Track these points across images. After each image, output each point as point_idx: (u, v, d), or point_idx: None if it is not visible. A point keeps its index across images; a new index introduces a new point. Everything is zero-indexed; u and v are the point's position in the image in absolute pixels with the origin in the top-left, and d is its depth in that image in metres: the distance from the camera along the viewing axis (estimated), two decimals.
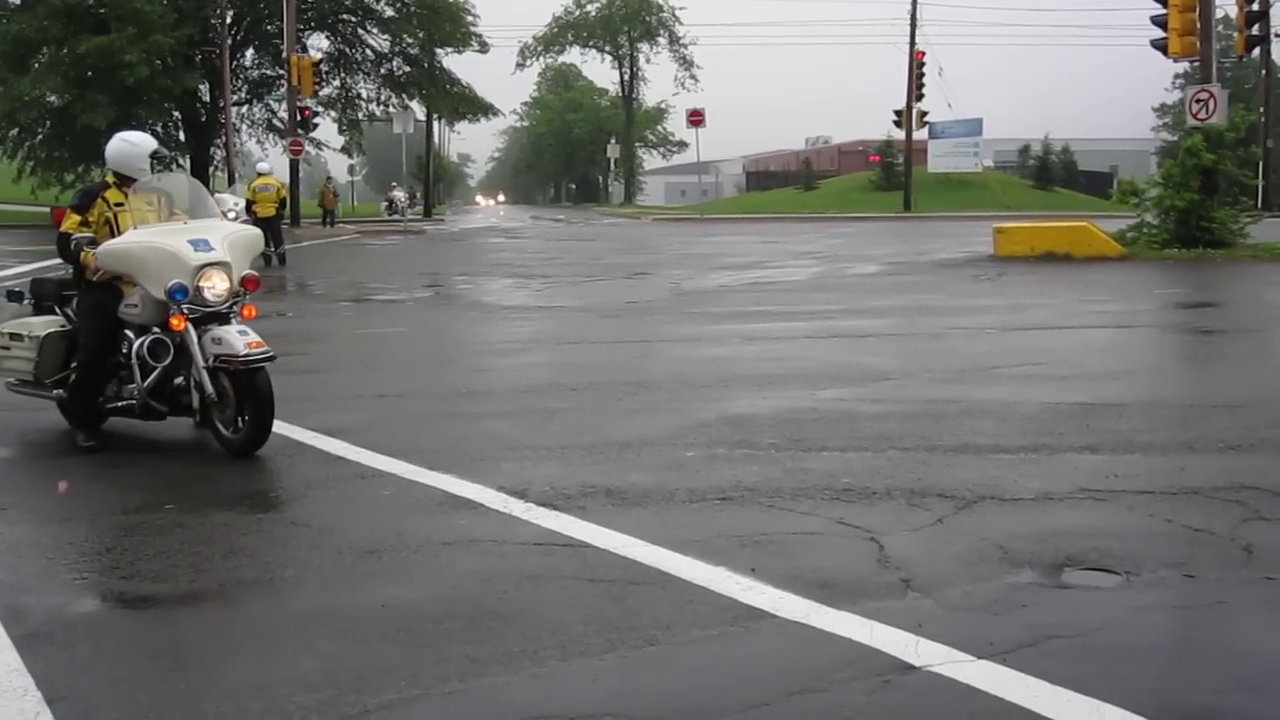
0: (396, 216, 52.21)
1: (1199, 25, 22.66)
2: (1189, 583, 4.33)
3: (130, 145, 7.14)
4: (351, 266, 25.45)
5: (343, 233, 40.84)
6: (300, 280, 20.79)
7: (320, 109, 46.17)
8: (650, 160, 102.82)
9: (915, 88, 50.14)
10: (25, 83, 38.21)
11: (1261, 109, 44.74)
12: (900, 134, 52.74)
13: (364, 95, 50.57)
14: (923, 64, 50.22)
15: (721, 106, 65.11)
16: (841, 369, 9.47)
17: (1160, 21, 23.02)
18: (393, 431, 7.25)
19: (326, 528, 5.23)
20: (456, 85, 49.63)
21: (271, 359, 6.54)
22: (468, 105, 50.35)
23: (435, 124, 58.67)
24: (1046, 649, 3.70)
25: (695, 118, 49.98)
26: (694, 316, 13.65)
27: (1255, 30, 25.04)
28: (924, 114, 51.53)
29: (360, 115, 50.42)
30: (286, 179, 36.75)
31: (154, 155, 7.32)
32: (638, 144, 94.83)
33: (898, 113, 50.93)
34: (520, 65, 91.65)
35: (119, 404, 6.91)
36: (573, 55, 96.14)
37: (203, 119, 45.58)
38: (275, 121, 48.57)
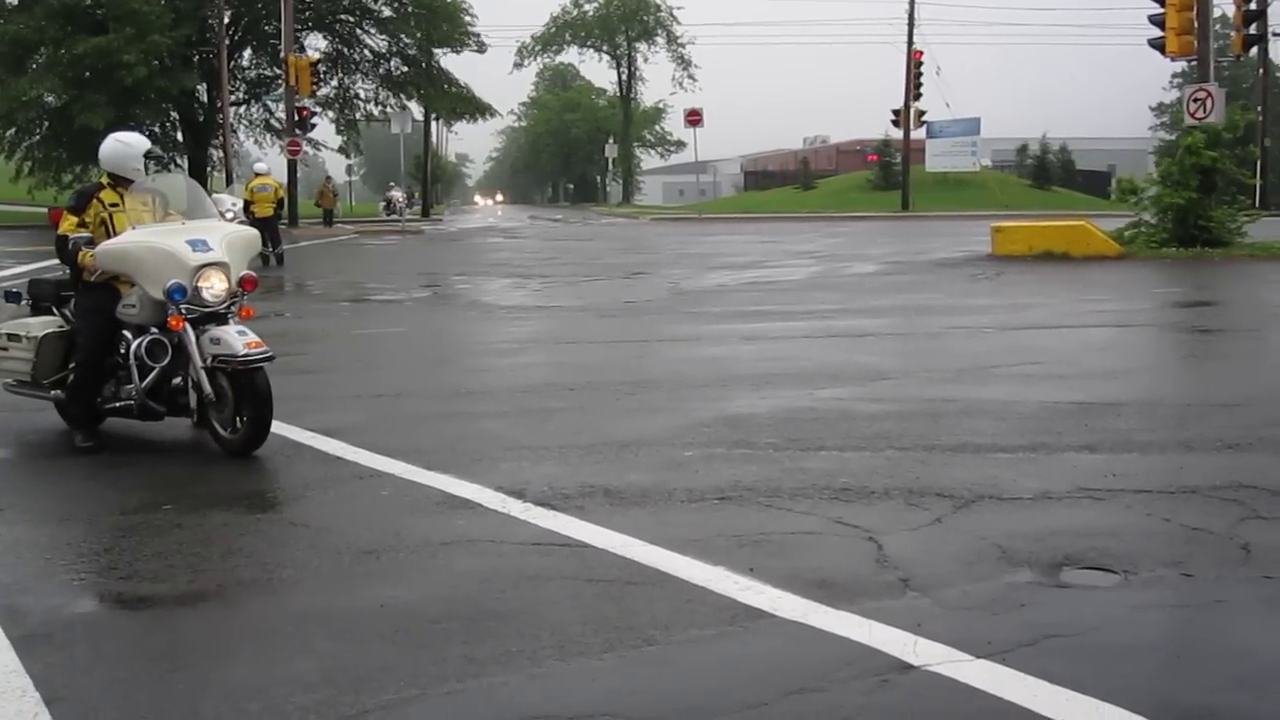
0: (394, 216, 52.19)
1: (1196, 24, 22.69)
2: (1187, 582, 4.34)
3: (124, 146, 7.14)
4: (349, 267, 25.43)
5: (341, 233, 40.82)
6: (298, 280, 20.78)
7: (318, 109, 46.19)
8: (648, 160, 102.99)
9: (913, 87, 50.15)
10: (23, 83, 38.22)
11: (1259, 108, 44.75)
12: (898, 133, 52.75)
13: (362, 95, 50.72)
14: (920, 63, 50.22)
15: (719, 106, 65.36)
16: (840, 368, 9.47)
17: (1158, 20, 23.04)
18: (391, 431, 7.25)
19: (324, 528, 5.23)
20: (454, 85, 49.67)
21: (270, 359, 6.54)
22: (465, 105, 50.41)
23: (433, 124, 58.70)
24: (1045, 648, 3.71)
25: (693, 117, 49.98)
26: (692, 316, 13.65)
27: (1253, 29, 25.04)
28: (922, 113, 51.55)
29: (358, 115, 50.48)
30: (284, 179, 36.74)
31: (148, 155, 7.33)
32: (636, 144, 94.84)
33: (895, 112, 50.94)
34: (518, 65, 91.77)
35: (117, 404, 6.91)
36: (570, 55, 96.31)
37: (200, 119, 45.58)
38: (273, 122, 48.61)
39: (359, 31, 49.40)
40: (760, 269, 20.88)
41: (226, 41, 41.78)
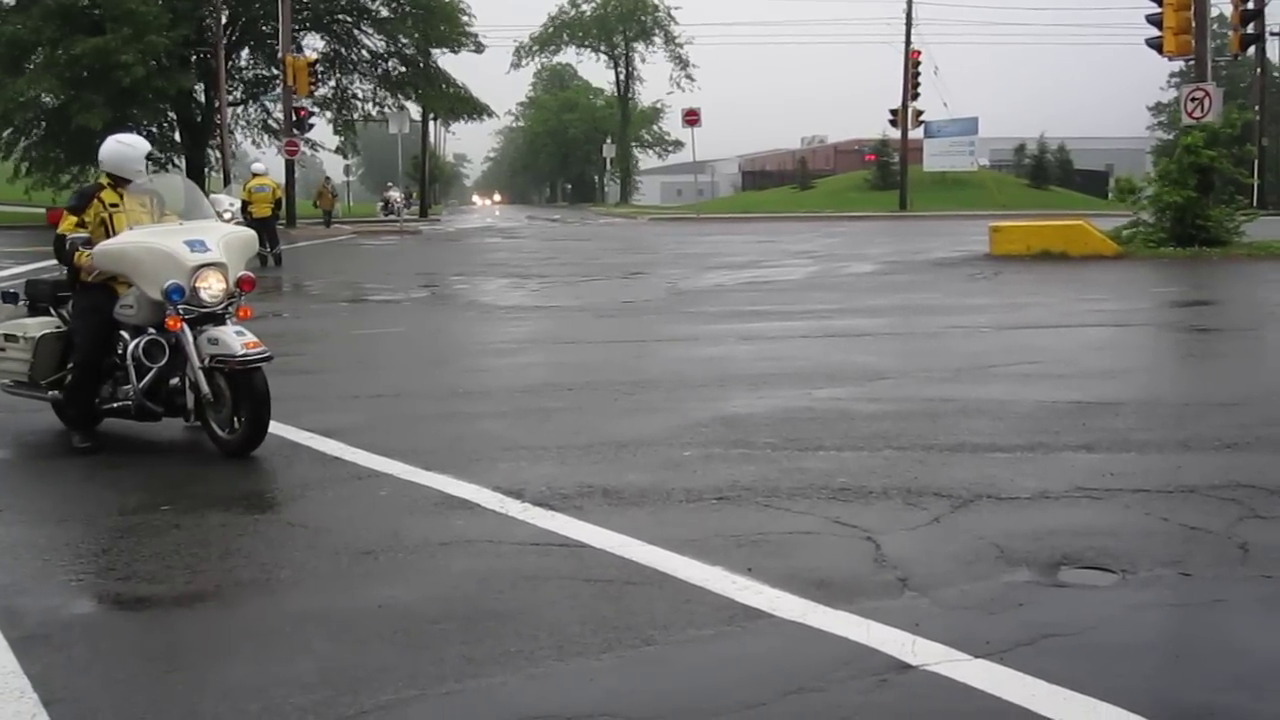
0: (392, 217, 52.16)
1: (1194, 24, 22.69)
2: (1185, 581, 4.34)
3: (126, 147, 7.15)
4: (348, 267, 25.43)
5: (339, 233, 40.80)
6: (296, 281, 20.77)
7: (316, 109, 46.16)
8: (646, 160, 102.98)
9: (911, 87, 50.14)
10: (20, 83, 38.21)
11: (1257, 107, 44.77)
12: (896, 133, 52.75)
13: (360, 95, 50.68)
14: (918, 63, 50.22)
15: (717, 106, 65.26)
16: (838, 368, 9.48)
17: (1155, 20, 23.05)
18: (389, 432, 7.25)
19: (323, 528, 5.23)
20: (452, 85, 49.67)
21: (268, 359, 6.53)
22: (463, 106, 50.42)
23: (431, 124, 58.67)
24: (1043, 648, 3.71)
25: (691, 117, 49.95)
26: (690, 316, 13.65)
27: (1250, 29, 25.06)
28: (919, 113, 51.55)
29: (356, 116, 50.45)
30: (282, 179, 36.74)
31: (147, 156, 7.34)
32: (633, 144, 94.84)
33: (893, 112, 50.93)
34: (515, 65, 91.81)
35: (114, 405, 6.91)
36: (568, 55, 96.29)
37: (198, 120, 45.55)
38: (271, 122, 48.59)
39: (356, 32, 49.39)
40: (758, 269, 20.88)
41: (224, 42, 41.76)
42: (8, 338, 7.30)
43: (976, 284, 17.12)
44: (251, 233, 7.56)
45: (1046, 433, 6.79)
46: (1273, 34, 46.78)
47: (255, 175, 25.25)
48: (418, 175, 63.55)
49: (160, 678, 3.65)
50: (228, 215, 18.23)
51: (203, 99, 45.66)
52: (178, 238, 6.68)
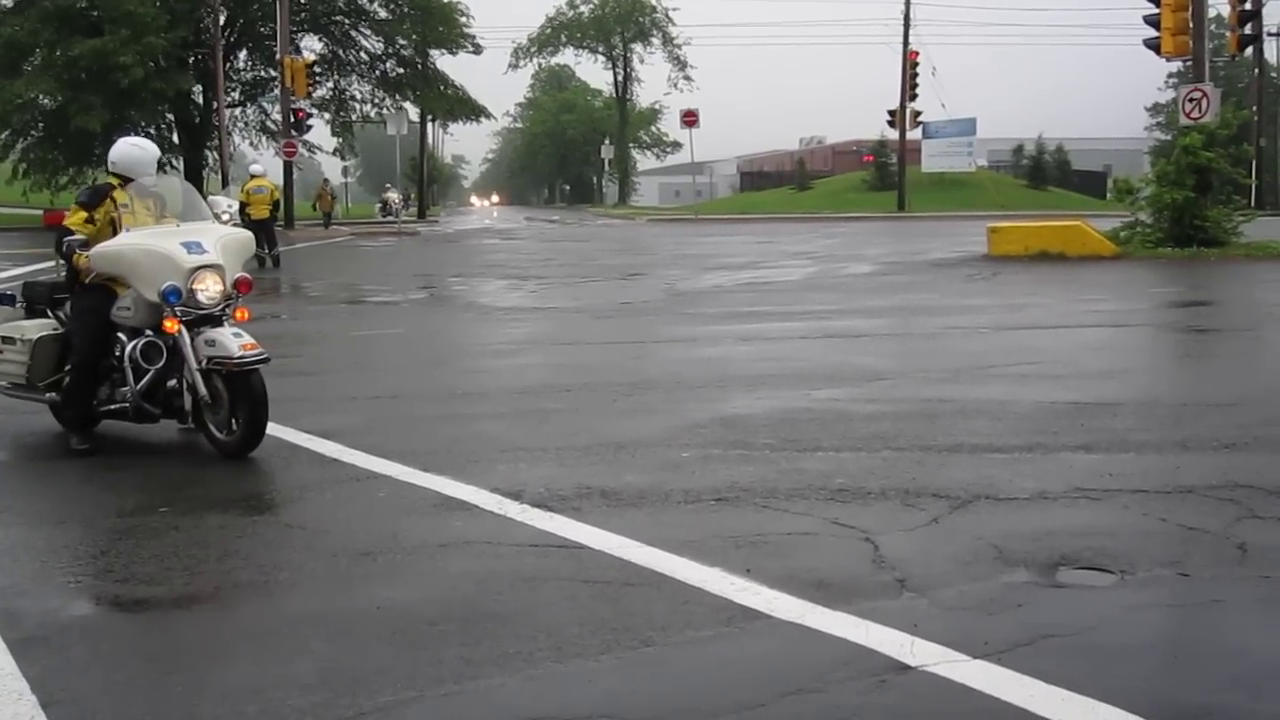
0: (391, 218, 52.12)
1: (1191, 24, 22.71)
2: (1184, 581, 4.34)
3: (141, 150, 7.21)
4: (346, 268, 25.42)
5: (337, 234, 40.78)
6: (295, 282, 20.76)
7: (314, 111, 46.12)
8: (644, 161, 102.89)
9: (909, 88, 50.16)
10: (18, 85, 38.17)
11: (1254, 107, 44.81)
12: (894, 134, 52.77)
13: (358, 97, 50.63)
14: (916, 64, 50.25)
15: (715, 107, 65.19)
16: (836, 369, 9.48)
17: (1153, 21, 23.07)
18: (388, 433, 7.25)
19: (321, 530, 5.22)
20: (450, 87, 49.66)
21: (265, 361, 6.53)
22: (461, 107, 50.40)
23: (429, 125, 58.65)
24: (1042, 648, 3.71)
25: (689, 118, 49.96)
26: (689, 317, 13.65)
27: (1248, 29, 25.06)
28: (918, 114, 51.60)
29: (354, 117, 50.41)
30: (280, 181, 36.72)
31: (157, 162, 7.38)
32: (632, 145, 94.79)
33: (891, 113, 50.96)
34: (513, 66, 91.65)
35: (112, 407, 6.90)
36: (566, 56, 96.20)
37: (196, 121, 45.53)
38: (269, 123, 48.56)
39: (354, 33, 49.34)
40: (756, 270, 20.89)
41: (222, 43, 41.71)
42: (5, 340, 7.30)
43: (975, 285, 17.13)
44: (249, 234, 7.55)
45: (1045, 433, 6.80)
46: (1270, 34, 46.87)
47: (253, 177, 25.23)
48: (416, 177, 63.51)
49: (159, 679, 3.65)
50: (225, 217, 18.23)
51: (201, 100, 45.65)
52: (175, 239, 6.68)
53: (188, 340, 6.53)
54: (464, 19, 48.19)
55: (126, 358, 6.68)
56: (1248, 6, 23.90)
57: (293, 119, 41.38)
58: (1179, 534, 4.88)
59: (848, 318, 13.45)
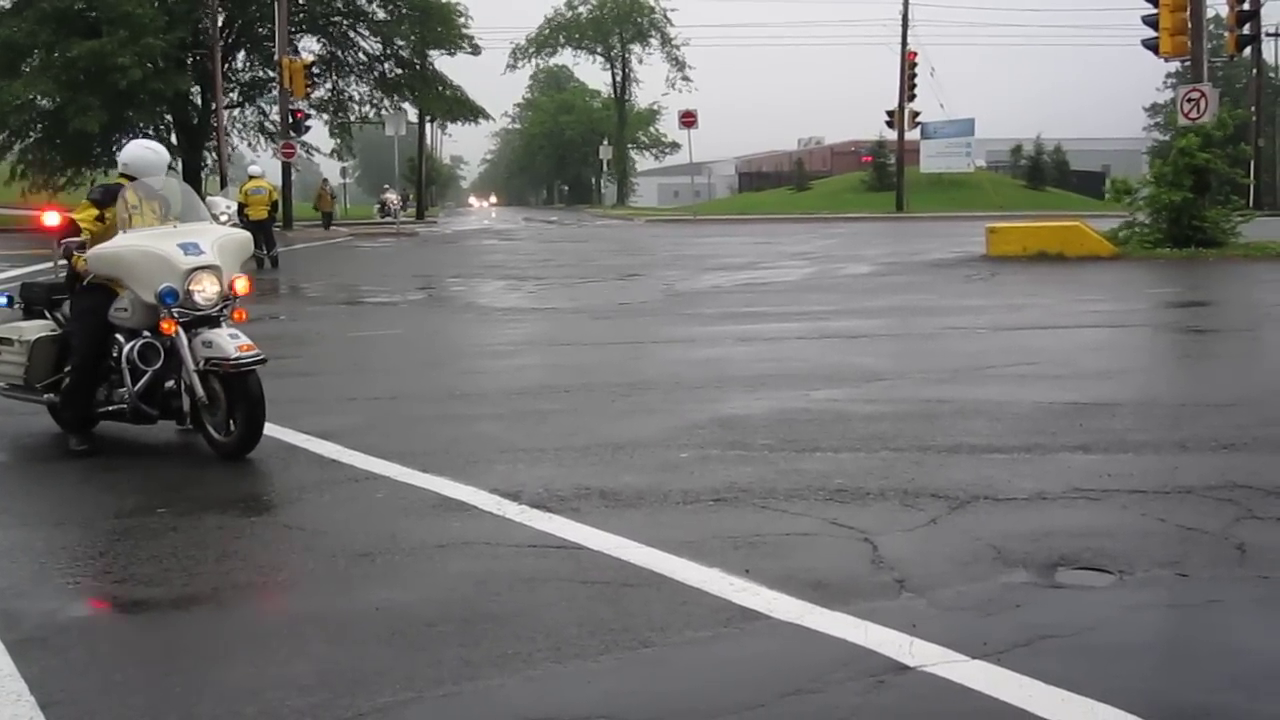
0: (389, 219, 52.11)
1: (1190, 25, 22.72)
2: (1182, 582, 4.34)
3: (154, 154, 7.27)
4: (344, 269, 25.41)
5: (335, 235, 40.79)
6: (293, 283, 20.76)
7: (312, 111, 46.12)
8: (643, 162, 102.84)
9: (907, 88, 50.21)
10: (16, 86, 38.14)
11: (1253, 108, 44.84)
12: (892, 134, 52.82)
13: (356, 97, 50.60)
14: (915, 64, 50.30)
15: (714, 107, 65.12)
16: (835, 369, 9.48)
17: (1151, 21, 23.08)
18: (386, 434, 7.24)
19: (320, 531, 5.22)
20: (449, 87, 49.65)
21: (262, 362, 6.53)
22: (460, 108, 50.41)
23: (428, 126, 58.64)
24: (1040, 648, 3.71)
25: (687, 119, 49.94)
26: (687, 318, 13.66)
27: (1246, 30, 25.09)
28: (916, 114, 51.65)
29: (352, 118, 50.39)
30: (278, 182, 36.71)
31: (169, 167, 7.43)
32: (630, 145, 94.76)
33: (890, 113, 51.00)
34: (512, 67, 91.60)
35: (110, 408, 6.90)
36: (565, 57, 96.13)
37: (195, 122, 45.49)
38: (267, 124, 48.54)
39: (353, 34, 49.33)
40: (755, 270, 20.89)
41: (220, 44, 41.68)
42: (3, 341, 7.30)
43: (973, 285, 17.13)
44: (247, 235, 7.56)
45: (1043, 434, 6.80)
46: (1268, 35, 46.90)
47: (251, 178, 25.24)
48: (414, 177, 63.50)
49: (157, 680, 3.65)
50: (224, 218, 18.24)
51: (199, 101, 45.60)
52: (172, 241, 6.68)
53: (185, 341, 6.53)
54: (462, 19, 48.22)
55: (124, 359, 6.68)
56: (1246, 7, 23.92)
57: (291, 120, 41.39)
58: (1177, 534, 4.88)
59: (846, 318, 13.45)
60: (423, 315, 15.60)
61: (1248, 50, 35.53)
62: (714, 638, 3.87)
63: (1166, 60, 26.21)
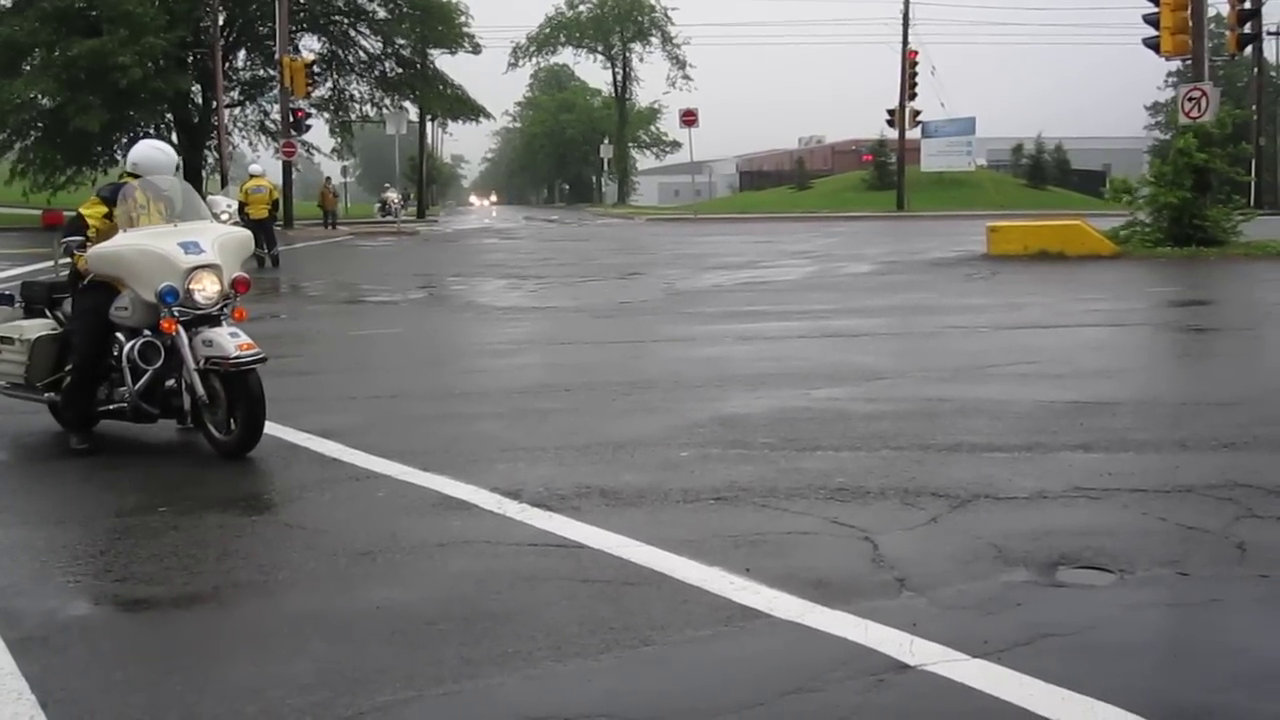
0: (390, 218, 52.10)
1: (1191, 23, 22.71)
2: (1183, 581, 4.34)
3: (164, 155, 7.33)
4: (345, 268, 25.42)
5: (336, 234, 40.82)
6: (294, 282, 20.77)
7: (313, 110, 46.12)
8: (643, 160, 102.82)
9: (908, 87, 50.17)
10: (17, 85, 38.15)
11: (1254, 106, 44.82)
12: (893, 133, 52.78)
13: (357, 96, 50.63)
14: (915, 63, 50.25)
15: (715, 106, 65.15)
16: (835, 368, 9.48)
17: (1152, 20, 23.07)
18: (387, 433, 7.25)
19: (321, 529, 5.22)
20: (449, 86, 49.66)
21: (262, 360, 6.53)
22: (460, 107, 50.41)
23: (428, 125, 58.65)
24: (1041, 647, 3.71)
25: (688, 118, 49.93)
26: (688, 316, 13.65)
27: (1247, 28, 25.09)
28: (917, 113, 51.61)
29: (353, 117, 50.40)
30: (279, 180, 36.71)
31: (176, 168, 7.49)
32: (631, 144, 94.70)
33: (891, 112, 50.96)
34: (513, 66, 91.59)
35: (111, 407, 6.90)
36: (565, 56, 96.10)
37: (195, 121, 45.52)
38: (268, 123, 48.55)
39: (353, 33, 49.34)
40: (756, 269, 20.89)
41: (221, 43, 41.70)
42: (3, 340, 7.30)
43: (974, 284, 17.13)
44: (247, 233, 7.56)
45: (1044, 432, 6.80)
46: (1269, 34, 46.89)
47: (252, 176, 25.24)
48: (415, 176, 63.49)
49: (158, 679, 3.65)
50: (225, 217, 18.23)
51: (200, 100, 45.64)
52: (172, 240, 6.68)
53: (185, 340, 6.53)
54: (463, 18, 48.26)
55: (124, 358, 6.68)
56: (1247, 5, 23.91)
57: (292, 119, 41.39)
58: (1178, 533, 4.88)
59: (847, 317, 13.45)
60: (423, 314, 15.60)
61: (1249, 49, 35.49)
62: (714, 636, 3.87)
63: (1167, 59, 26.18)
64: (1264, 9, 25.85)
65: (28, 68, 39.84)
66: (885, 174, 57.36)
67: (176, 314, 6.51)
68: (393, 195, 56.23)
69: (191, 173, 42.19)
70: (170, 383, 6.67)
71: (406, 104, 49.92)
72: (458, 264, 25.67)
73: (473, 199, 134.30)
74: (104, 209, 6.94)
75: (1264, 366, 10.17)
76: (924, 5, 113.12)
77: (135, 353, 6.64)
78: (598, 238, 37.12)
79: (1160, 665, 3.72)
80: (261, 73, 48.49)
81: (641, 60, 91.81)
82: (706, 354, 10.48)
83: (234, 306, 6.84)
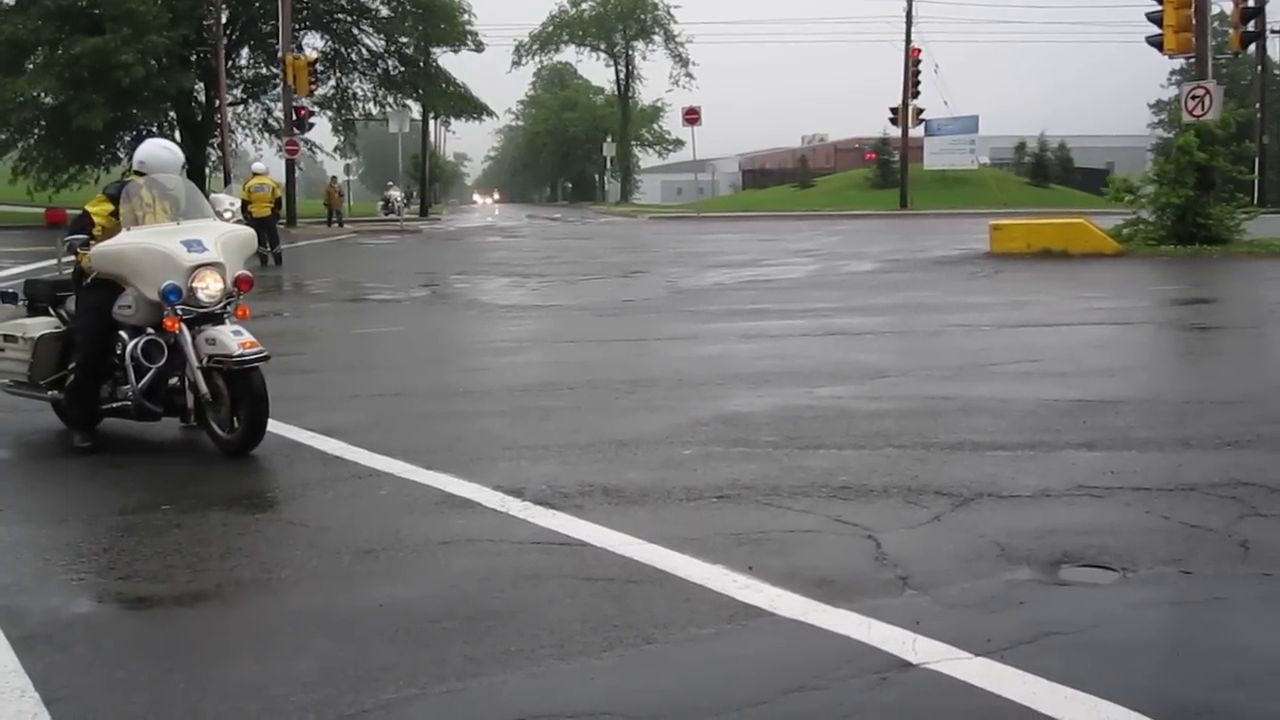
0: (393, 216, 52.14)
1: (1194, 21, 22.69)
2: (1186, 579, 4.34)
3: (170, 154, 7.34)
4: (348, 266, 25.43)
5: (339, 232, 40.84)
6: (296, 280, 20.78)
7: (316, 109, 46.15)
8: (646, 159, 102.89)
9: (911, 85, 50.08)
10: (20, 83, 38.20)
11: (1257, 105, 44.74)
12: (896, 131, 52.68)
13: (360, 95, 50.66)
14: (919, 61, 50.14)
15: (717, 104, 65.26)
16: (838, 366, 9.48)
17: (1156, 18, 23.05)
18: (390, 431, 7.25)
19: (324, 527, 5.23)
20: (452, 85, 49.68)
21: (265, 359, 6.53)
22: (463, 105, 50.43)
23: (431, 123, 58.65)
24: (1044, 646, 3.71)
25: (691, 116, 49.93)
26: (690, 315, 13.65)
27: (1251, 26, 25.06)
28: (920, 111, 51.49)
29: (356, 115, 50.42)
30: (282, 179, 36.73)
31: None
32: (634, 142, 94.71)
33: (894, 110, 50.87)
34: (516, 64, 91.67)
35: (114, 405, 6.91)
36: (568, 54, 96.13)
37: (198, 119, 45.56)
38: (271, 121, 48.57)
39: (356, 31, 49.37)
40: (758, 267, 20.88)
41: (224, 41, 41.74)
42: (7, 338, 7.31)
43: (977, 282, 17.12)
44: (250, 231, 7.57)
45: (1047, 431, 6.79)
46: (1273, 31, 46.71)
47: (255, 175, 25.25)
48: (418, 174, 63.50)
49: (161, 677, 3.65)
50: (228, 215, 18.26)
51: (203, 98, 45.68)
52: (175, 238, 6.68)
53: (188, 338, 6.53)
54: (466, 16, 48.29)
55: (128, 356, 6.68)
56: (1250, 3, 23.91)
57: (295, 117, 41.40)
58: (1181, 532, 4.87)
59: (850, 315, 13.44)
60: (426, 312, 15.60)
61: (1252, 47, 35.42)
62: (717, 635, 3.87)
63: (1171, 57, 26.14)
64: (1267, 6, 25.82)
65: (30, 66, 39.88)
66: (888, 172, 57.33)
67: (180, 312, 6.52)
68: (396, 193, 56.29)
69: (194, 171, 42.17)
70: (173, 381, 6.68)
71: (409, 102, 49.92)
72: (460, 262, 25.68)
73: (475, 197, 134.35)
74: (110, 207, 6.94)
75: (1267, 365, 10.17)
76: (927, 3, 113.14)
77: (138, 351, 6.64)
78: (600, 236, 37.12)
79: (1163, 664, 3.72)
80: (264, 71, 48.56)
81: (644, 58, 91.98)
82: (709, 352, 10.48)
83: (237, 304, 6.84)
